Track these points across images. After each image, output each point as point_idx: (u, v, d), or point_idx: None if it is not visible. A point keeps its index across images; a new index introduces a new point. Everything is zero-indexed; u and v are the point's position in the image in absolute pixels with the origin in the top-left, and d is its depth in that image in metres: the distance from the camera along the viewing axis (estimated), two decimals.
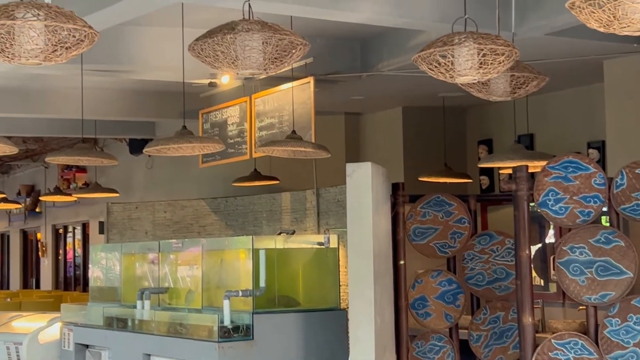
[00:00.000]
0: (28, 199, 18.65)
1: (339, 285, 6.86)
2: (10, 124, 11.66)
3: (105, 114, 10.88)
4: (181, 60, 6.76)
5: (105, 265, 8.33)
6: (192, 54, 4.41)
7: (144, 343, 7.06)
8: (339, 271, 6.89)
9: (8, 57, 3.81)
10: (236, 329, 6.26)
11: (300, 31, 4.64)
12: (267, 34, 4.24)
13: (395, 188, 5.92)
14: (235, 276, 6.72)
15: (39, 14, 3.68)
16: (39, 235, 19.27)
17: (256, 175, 9.84)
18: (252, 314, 6.31)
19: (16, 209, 18.25)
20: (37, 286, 19.16)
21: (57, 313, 8.66)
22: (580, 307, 5.99)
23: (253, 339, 6.26)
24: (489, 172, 10.21)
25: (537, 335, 5.32)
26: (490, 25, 5.27)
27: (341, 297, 6.88)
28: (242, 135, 9.05)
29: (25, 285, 19.92)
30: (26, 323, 8.75)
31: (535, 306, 5.43)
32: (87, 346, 7.92)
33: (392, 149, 10.69)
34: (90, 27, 3.81)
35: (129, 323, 7.37)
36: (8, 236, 21.01)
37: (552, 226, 9.08)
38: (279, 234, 7.82)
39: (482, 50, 4.35)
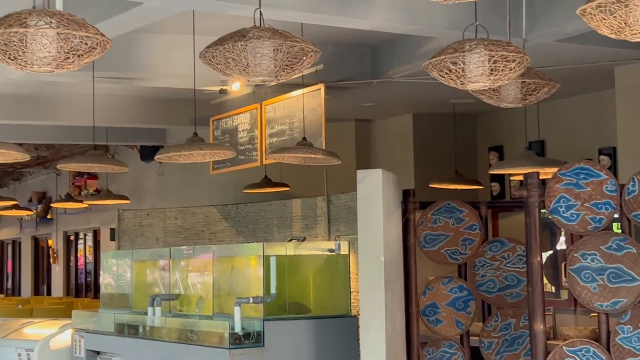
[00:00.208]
0: (39, 206, 18.69)
1: (350, 292, 6.85)
2: (22, 131, 11.71)
3: (117, 121, 10.92)
4: (192, 67, 6.78)
5: (116, 272, 8.34)
6: (203, 61, 4.41)
7: (155, 350, 7.06)
8: (350, 278, 6.88)
9: (20, 64, 3.82)
10: (247, 335, 6.26)
11: (310, 38, 4.65)
12: (278, 41, 4.24)
13: (406, 195, 5.92)
14: (246, 283, 6.72)
15: (51, 22, 3.69)
16: (50, 242, 19.30)
17: (267, 182, 9.85)
18: (263, 320, 6.30)
19: (27, 215, 18.32)
20: (49, 293, 19.18)
21: (68, 320, 8.66)
22: (592, 314, 5.98)
23: (264, 345, 6.25)
24: (499, 178, 10.20)
25: (549, 342, 5.30)
26: (501, 31, 5.26)
27: (352, 304, 6.87)
28: (253, 142, 9.06)
29: (36, 291, 19.95)
30: (37, 329, 8.76)
31: (546, 313, 5.42)
32: (98, 353, 7.91)
33: (402, 156, 10.69)
34: (102, 35, 3.82)
35: (140, 330, 7.37)
36: (19, 243, 21.07)
37: (563, 233, 9.06)
38: (290, 240, 7.80)
39: (493, 56, 4.34)
